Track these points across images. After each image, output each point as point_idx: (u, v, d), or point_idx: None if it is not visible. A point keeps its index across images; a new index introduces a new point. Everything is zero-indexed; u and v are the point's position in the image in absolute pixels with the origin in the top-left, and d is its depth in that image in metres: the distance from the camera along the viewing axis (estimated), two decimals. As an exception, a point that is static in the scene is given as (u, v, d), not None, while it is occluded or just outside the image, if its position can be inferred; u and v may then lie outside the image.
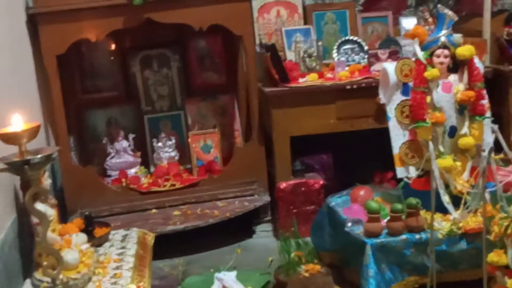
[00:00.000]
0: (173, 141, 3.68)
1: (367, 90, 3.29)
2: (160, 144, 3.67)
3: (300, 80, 3.47)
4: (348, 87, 3.40)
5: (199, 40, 3.78)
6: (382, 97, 3.02)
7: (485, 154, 2.42)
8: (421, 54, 2.86)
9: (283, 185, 3.44)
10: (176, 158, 3.68)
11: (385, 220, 2.77)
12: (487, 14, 3.51)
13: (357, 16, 3.92)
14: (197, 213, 3.41)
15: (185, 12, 3.27)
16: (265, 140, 3.55)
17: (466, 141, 2.84)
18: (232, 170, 3.53)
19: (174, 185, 3.51)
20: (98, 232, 2.71)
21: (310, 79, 3.47)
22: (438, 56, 2.83)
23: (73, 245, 2.42)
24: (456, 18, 2.83)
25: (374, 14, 3.94)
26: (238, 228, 3.49)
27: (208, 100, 3.80)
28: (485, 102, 2.89)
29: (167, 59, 3.78)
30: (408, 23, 3.80)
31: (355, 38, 3.78)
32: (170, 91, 3.81)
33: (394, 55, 3.57)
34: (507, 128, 3.39)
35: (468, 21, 3.86)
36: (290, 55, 3.69)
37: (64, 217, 3.28)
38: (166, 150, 3.66)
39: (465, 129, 2.85)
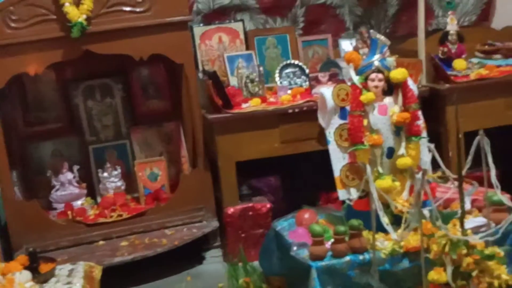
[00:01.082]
0: (119, 170, 3.68)
1: (309, 113, 3.35)
2: (105, 174, 3.66)
3: (243, 105, 3.51)
4: (290, 111, 3.46)
5: (142, 68, 3.79)
6: (321, 121, 3.09)
7: (418, 176, 2.49)
8: (356, 79, 2.93)
9: (230, 210, 3.47)
10: (123, 187, 3.68)
11: (329, 243, 2.82)
12: (421, 35, 3.63)
13: (298, 40, 4.00)
14: (145, 242, 3.40)
15: (124, 43, 3.29)
16: (211, 166, 3.57)
17: (403, 161, 2.91)
18: (180, 198, 3.55)
19: (121, 215, 3.50)
20: (43, 268, 2.69)
21: (253, 104, 3.52)
22: (373, 80, 2.91)
23: (17, 284, 2.39)
24: (388, 43, 2.91)
25: (314, 38, 4.03)
26: (187, 256, 3.50)
27: (154, 128, 3.81)
28: (421, 122, 2.98)
29: (110, 88, 3.78)
30: (347, 45, 3.90)
31: (296, 62, 3.86)
32: (115, 120, 3.81)
33: (334, 78, 3.66)
34: (445, 146, 3.50)
35: (405, 42, 4.00)
36: (233, 81, 3.74)
37: (9, 254, 3.23)
38: (112, 180, 3.66)
39: (402, 150, 2.93)
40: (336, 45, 4.01)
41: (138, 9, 3.33)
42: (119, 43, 3.27)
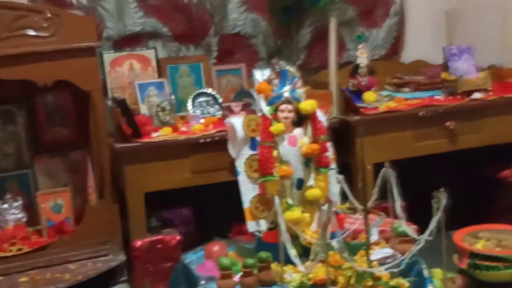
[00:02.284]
0: (20, 201, 3.51)
1: (221, 143, 3.32)
2: (5, 205, 3.49)
3: (153, 134, 3.46)
4: (202, 140, 3.44)
5: (47, 95, 3.66)
6: (231, 152, 3.08)
7: (325, 208, 2.51)
8: (266, 109, 2.96)
9: (138, 243, 3.38)
10: (24, 219, 3.51)
11: (238, 276, 2.79)
12: (332, 67, 3.72)
13: (211, 69, 4.00)
14: (47, 278, 3.26)
15: (27, 68, 3.18)
16: (119, 197, 3.48)
17: (312, 192, 2.94)
18: (85, 230, 3.43)
19: (21, 249, 3.34)
20: None
21: (164, 133, 3.47)
22: (283, 111, 2.94)
23: None
24: (298, 74, 2.96)
25: (228, 67, 4.04)
26: (92, 291, 3.38)
27: (59, 157, 3.68)
28: (330, 154, 3.03)
29: (12, 115, 3.63)
30: (261, 75, 3.93)
31: (210, 91, 3.86)
32: (17, 148, 3.65)
33: (247, 108, 3.67)
34: (355, 177, 3.57)
35: (317, 74, 4.08)
36: (144, 109, 3.68)
37: None
38: (12, 212, 3.48)
39: (311, 181, 2.95)
40: (250, 75, 4.04)
41: (43, 34, 3.24)
42: (22, 68, 3.16)
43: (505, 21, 4.00)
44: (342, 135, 3.65)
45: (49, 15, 3.24)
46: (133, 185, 3.37)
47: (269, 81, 3.33)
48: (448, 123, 3.75)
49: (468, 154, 3.91)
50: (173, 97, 3.62)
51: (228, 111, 3.65)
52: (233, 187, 3.12)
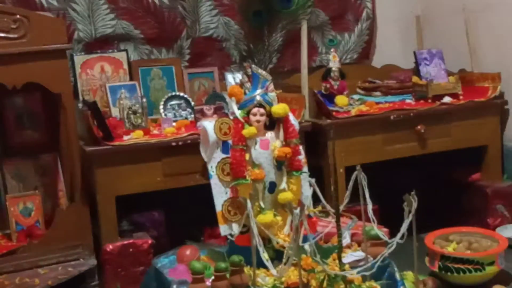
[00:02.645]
0: (-11, 205, 3.45)
1: (193, 146, 3.33)
2: (-27, 209, 3.42)
3: (125, 137, 3.43)
4: (174, 143, 3.42)
5: (16, 97, 3.61)
6: (203, 155, 3.07)
7: (297, 211, 2.51)
8: (238, 113, 2.96)
9: (109, 247, 3.34)
10: (-8, 224, 3.45)
11: (210, 280, 2.78)
12: (304, 71, 3.72)
13: (184, 72, 3.98)
14: (16, 283, 3.20)
15: (-5, 70, 3.13)
16: (90, 200, 3.44)
17: (285, 196, 2.95)
18: (55, 234, 3.38)
19: (-11, 254, 3.27)
20: None
21: (135, 136, 3.45)
22: (255, 115, 2.95)
23: None
24: (269, 78, 2.97)
25: (200, 70, 4.03)
26: (63, 296, 3.33)
27: (28, 160, 3.63)
28: (302, 157, 3.04)
29: (-21, 119, 3.57)
30: (233, 78, 3.93)
31: (182, 94, 3.84)
32: (-15, 151, 3.59)
33: (219, 111, 3.66)
34: (327, 180, 3.57)
35: (290, 77, 4.09)
36: (115, 112, 3.65)
37: None
38: (-20, 216, 3.42)
39: (283, 185, 2.97)
40: (222, 78, 4.03)
41: (12, 36, 3.18)
42: (-10, 70, 3.11)
43: (473, 26, 4.05)
44: (314, 139, 3.66)
45: (18, 16, 3.20)
46: (104, 189, 3.34)
47: (241, 84, 3.35)
48: (418, 127, 3.79)
49: (438, 157, 3.95)
50: (144, 99, 3.59)
51: (200, 114, 3.63)
52: (205, 191, 3.11)
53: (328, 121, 3.66)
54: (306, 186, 3.07)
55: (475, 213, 3.90)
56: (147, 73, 3.91)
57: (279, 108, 2.96)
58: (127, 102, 3.57)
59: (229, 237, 2.97)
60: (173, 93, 3.83)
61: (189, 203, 3.81)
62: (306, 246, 2.72)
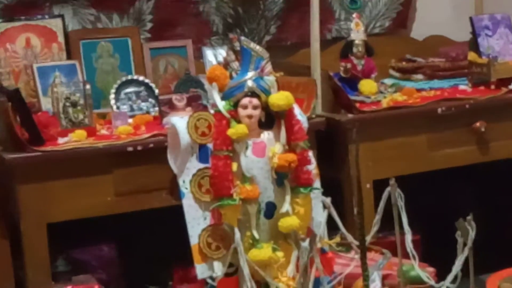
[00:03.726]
0: None
1: (158, 153, 3.33)
2: None
3: (61, 140, 3.43)
4: (130, 149, 3.42)
5: None
6: (172, 165, 3.08)
7: (305, 244, 2.53)
8: (222, 105, 2.95)
9: (38, 296, 3.36)
10: None
11: None
12: (315, 45, 3.73)
13: (144, 47, 4.00)
14: None
15: None
16: (11, 229, 3.45)
17: (288, 222, 2.95)
18: (-41, 279, 3.39)
19: None
20: None
21: (76, 139, 3.45)
22: (245, 107, 2.94)
23: None
24: (266, 55, 2.97)
25: (168, 44, 4.04)
26: None
27: None
28: (312, 167, 3.04)
29: None
30: (215, 56, 3.95)
31: (142, 78, 3.85)
32: None
33: (195, 102, 3.67)
34: (348, 200, 3.59)
35: (295, 54, 4.11)
36: (47, 104, 3.66)
37: None
38: None
39: (286, 206, 2.97)
40: (199, 56, 4.05)
41: None
42: None
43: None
44: (330, 141, 3.68)
45: None
46: (30, 213, 3.33)
47: (225, 64, 3.36)
48: (477, 124, 3.80)
49: (504, 167, 3.97)
50: (88, 86, 3.59)
51: (168, 107, 3.64)
52: (175, 215, 3.11)
53: (350, 116, 3.67)
54: (318, 208, 3.07)
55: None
56: (92, 48, 3.91)
57: (279, 98, 2.95)
58: (63, 90, 3.57)
59: (209, 281, 2.97)
60: (129, 77, 3.84)
61: (152, 233, 3.83)
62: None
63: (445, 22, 4.48)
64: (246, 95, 2.94)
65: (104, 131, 3.59)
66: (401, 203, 2.79)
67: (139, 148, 3.43)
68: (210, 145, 2.98)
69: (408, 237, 2.78)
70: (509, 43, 4.09)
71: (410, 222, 2.81)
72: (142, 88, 3.83)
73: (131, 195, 3.45)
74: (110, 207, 3.44)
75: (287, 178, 2.99)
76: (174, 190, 3.28)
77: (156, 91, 3.83)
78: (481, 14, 4.23)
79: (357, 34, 3.90)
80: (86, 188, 3.39)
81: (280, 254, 2.95)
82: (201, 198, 2.98)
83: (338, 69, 3.90)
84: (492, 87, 3.93)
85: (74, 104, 3.57)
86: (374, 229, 2.90)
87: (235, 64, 3.25)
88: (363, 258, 2.68)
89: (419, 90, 3.98)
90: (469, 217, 2.60)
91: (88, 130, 3.51)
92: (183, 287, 3.48)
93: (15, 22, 3.81)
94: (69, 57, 3.87)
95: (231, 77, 3.09)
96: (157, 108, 3.75)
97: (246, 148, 2.97)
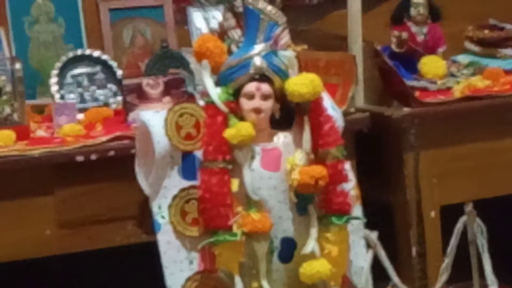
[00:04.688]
0: None
1: (122, 164, 3.35)
2: None
3: (-23, 146, 3.45)
4: (81, 158, 3.42)
5: None
6: (142, 182, 3.11)
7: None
8: (216, 93, 2.97)
9: None
10: None
11: None
12: (355, 5, 3.73)
13: (101, 7, 4.03)
14: None
15: None
16: None
17: (315, 268, 2.96)
18: None
19: None
20: None
21: (1, 143, 3.46)
22: (251, 97, 2.96)
23: None
24: (282, 20, 2.97)
25: (136, 3, 4.08)
26: None
27: None
28: (350, 186, 3.07)
29: None
30: (205, 19, 3.94)
31: (97, 54, 3.87)
32: None
33: (176, 88, 3.67)
34: (403, 233, 3.60)
35: (324, 17, 4.10)
36: (-42, 92, 3.68)
37: None
38: None
39: (312, 245, 2.98)
40: (182, 20, 4.09)
41: None
42: None
43: None
44: (377, 148, 3.70)
45: None
46: None
47: (222, 33, 3.36)
48: None
49: None
50: (18, 66, 3.60)
51: (137, 96, 3.65)
52: (147, 258, 3.12)
53: (406, 110, 3.67)
54: (358, 247, 3.11)
55: None
56: (24, 9, 3.96)
57: (301, 84, 2.96)
58: (-19, 72, 3.59)
59: None
60: (79, 52, 3.87)
61: (115, 283, 3.83)
62: None
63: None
64: (252, 79, 2.96)
65: (41, 132, 3.60)
66: (482, 240, 2.79)
67: (93, 157, 3.43)
68: (199, 153, 3.00)
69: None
70: None
71: (496, 265, 2.80)
72: (97, 68, 3.85)
73: (81, 227, 3.45)
74: (50, 246, 3.44)
75: (312, 202, 3.01)
76: (145, 219, 3.29)
77: (119, 72, 3.85)
78: None
79: (417, -11, 3.93)
80: (15, 216, 3.40)
81: (302, 317, 2.98)
82: (185, 231, 3.01)
83: (389, 41, 3.92)
84: None
85: (-2, 92, 3.58)
86: (443, 278, 2.90)
87: (236, 33, 3.25)
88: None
89: (508, 72, 3.97)
90: None
91: (18, 131, 3.51)
92: None
93: None
94: (-10, 24, 3.90)
95: (230, 52, 3.11)
96: (120, 98, 3.76)
97: (253, 157, 2.99)
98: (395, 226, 3.65)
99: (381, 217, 3.36)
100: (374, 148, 3.68)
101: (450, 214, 3.17)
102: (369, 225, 3.13)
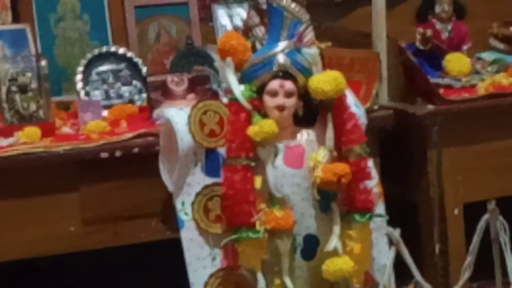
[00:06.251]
0: None
1: (146, 161, 3.35)
2: None
3: (3, 142, 3.46)
4: (105, 154, 3.43)
5: None
6: (166, 179, 3.12)
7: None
8: (239, 91, 2.98)
9: None
10: None
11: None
12: (379, 1, 3.72)
13: (126, 3, 4.05)
14: None
15: None
16: None
17: (337, 265, 2.96)
18: None
19: None
20: None
21: (25, 139, 3.47)
22: (274, 94, 2.96)
23: None
24: (306, 17, 2.97)
25: (161, 0, 4.09)
26: None
27: None
28: (373, 184, 3.07)
29: None
30: (230, 17, 3.95)
31: (122, 51, 3.88)
32: None
33: (201, 85, 3.67)
34: (426, 231, 3.59)
35: (348, 15, 4.09)
36: (-16, 88, 3.69)
37: None
38: None
39: (334, 242, 2.98)
40: (207, 17, 4.09)
41: None
42: None
43: None
44: (400, 145, 3.70)
45: None
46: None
47: (246, 30, 3.36)
48: None
49: None
50: (44, 63, 3.61)
51: (161, 93, 3.65)
52: (170, 253, 3.13)
53: (430, 107, 3.67)
54: (381, 244, 3.12)
55: None
56: (50, 6, 3.97)
57: (325, 81, 2.96)
58: (7, 68, 3.59)
59: None
60: (104, 49, 3.87)
61: (137, 280, 3.84)
62: None
63: None
64: (275, 77, 2.97)
65: (66, 129, 3.61)
66: (505, 238, 2.78)
67: (117, 154, 3.44)
68: (222, 150, 3.01)
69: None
70: None
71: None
72: (122, 65, 3.86)
73: (105, 224, 3.46)
74: (75, 242, 3.45)
75: (335, 200, 3.01)
76: (169, 216, 3.30)
77: (144, 69, 3.85)
78: None
79: (441, -14, 3.92)
80: (40, 213, 3.41)
81: (324, 314, 2.99)
82: (208, 228, 3.02)
83: (413, 38, 3.92)
84: None
85: (23, 89, 3.58)
86: (465, 276, 2.89)
87: (260, 30, 3.25)
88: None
89: (536, 70, 3.96)
90: None
91: (43, 127, 3.52)
92: None
93: None
94: (15, 20, 3.92)
95: (253, 49, 3.11)
96: (144, 95, 3.77)
97: (276, 154, 3.00)
98: (418, 224, 3.65)
99: (404, 214, 3.35)
100: (398, 145, 3.68)
101: (474, 212, 3.15)
102: (392, 223, 3.12)
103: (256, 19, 3.49)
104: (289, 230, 2.96)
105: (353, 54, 3.63)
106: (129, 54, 3.88)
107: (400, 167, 3.69)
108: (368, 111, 3.41)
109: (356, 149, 3.00)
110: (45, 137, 3.50)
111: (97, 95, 3.80)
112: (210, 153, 3.03)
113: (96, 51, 3.87)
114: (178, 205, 3.06)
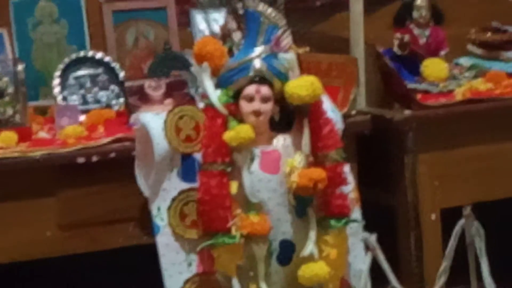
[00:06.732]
0: None
1: (123, 166, 3.34)
2: None
3: (-22, 147, 3.45)
4: (82, 159, 3.42)
5: None
6: (142, 185, 3.11)
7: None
8: (216, 96, 2.97)
9: None
10: None
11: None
12: (357, 7, 3.73)
13: (104, 8, 4.04)
14: None
15: None
16: None
17: (313, 271, 2.95)
18: None
19: None
20: None
21: (1, 144, 3.46)
22: (251, 99, 2.95)
23: None
24: (283, 22, 2.97)
25: (140, 5, 4.09)
26: None
27: None
28: (349, 189, 3.06)
29: None
30: (207, 22, 3.94)
31: (100, 55, 3.87)
32: None
33: (178, 90, 3.67)
34: (403, 236, 3.59)
35: (327, 20, 4.09)
36: (-40, 93, 3.68)
37: None
38: None
39: (310, 247, 2.97)
40: (184, 22, 4.09)
41: None
42: None
43: None
44: (377, 151, 3.69)
45: None
46: None
47: (223, 35, 3.35)
48: None
49: None
50: (21, 67, 3.60)
51: (139, 97, 3.64)
52: (145, 259, 3.11)
53: (407, 112, 3.66)
54: (357, 250, 3.11)
55: None
56: (28, 10, 3.96)
57: (301, 86, 2.95)
58: (-17, 73, 3.59)
59: None
60: (82, 54, 3.87)
61: (113, 286, 3.83)
62: None
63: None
64: (252, 82, 2.96)
65: (43, 134, 3.61)
66: (480, 243, 2.78)
67: (94, 159, 3.43)
68: (199, 156, 3.00)
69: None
70: None
71: (493, 270, 2.80)
72: (100, 70, 3.85)
73: (82, 229, 3.46)
74: (51, 247, 3.45)
75: (311, 205, 3.01)
76: (146, 221, 3.29)
77: (121, 74, 3.86)
78: None
79: (420, -9, 3.93)
80: (16, 218, 3.40)
81: (300, 319, 2.98)
82: (184, 234, 3.01)
83: (391, 43, 3.92)
84: None
85: (0, 94, 3.58)
86: (441, 280, 2.88)
87: (237, 35, 3.25)
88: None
89: (511, 75, 3.96)
90: None
91: (19, 132, 3.51)
92: None
93: None
94: (-7, 24, 3.91)
95: (230, 54, 3.10)
96: (122, 100, 3.77)
97: (252, 160, 2.99)
98: (395, 229, 3.65)
99: (381, 219, 3.35)
100: (375, 150, 3.68)
101: (450, 217, 3.16)
102: (368, 228, 3.12)
103: (233, 24, 3.49)
104: (265, 235, 2.95)
105: (331, 59, 3.62)
106: (107, 59, 3.88)
107: (377, 173, 3.69)
108: (346, 116, 3.42)
109: (332, 154, 2.99)
110: (21, 142, 3.50)
111: (74, 99, 3.80)
112: (186, 158, 3.03)
113: (73, 56, 3.87)
114: (154, 211, 3.05)
